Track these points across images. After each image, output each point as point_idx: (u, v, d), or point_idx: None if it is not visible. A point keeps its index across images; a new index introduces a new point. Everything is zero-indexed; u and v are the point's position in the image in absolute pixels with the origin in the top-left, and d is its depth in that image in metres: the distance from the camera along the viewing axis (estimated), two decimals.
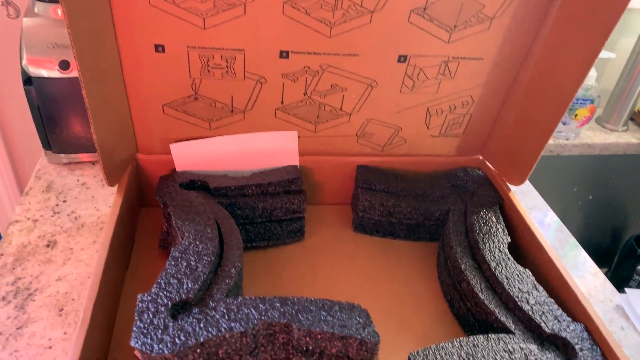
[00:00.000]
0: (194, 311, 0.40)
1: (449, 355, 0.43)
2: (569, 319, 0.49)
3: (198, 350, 0.38)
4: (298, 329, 0.39)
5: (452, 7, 0.54)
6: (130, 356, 0.47)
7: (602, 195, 1.34)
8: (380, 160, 0.68)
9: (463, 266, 0.56)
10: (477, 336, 0.46)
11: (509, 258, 0.56)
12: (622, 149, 1.19)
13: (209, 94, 0.58)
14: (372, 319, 0.42)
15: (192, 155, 0.61)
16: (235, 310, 0.40)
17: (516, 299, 0.51)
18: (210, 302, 0.41)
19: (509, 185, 0.65)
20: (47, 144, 0.72)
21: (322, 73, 0.58)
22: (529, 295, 0.52)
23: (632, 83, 1.17)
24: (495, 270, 0.54)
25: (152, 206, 0.66)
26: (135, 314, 0.38)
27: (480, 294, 0.53)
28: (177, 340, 0.37)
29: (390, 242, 0.67)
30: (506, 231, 0.60)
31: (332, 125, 0.64)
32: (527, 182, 0.81)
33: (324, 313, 0.41)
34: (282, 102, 0.60)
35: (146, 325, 0.38)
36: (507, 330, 0.49)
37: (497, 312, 0.51)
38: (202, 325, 0.39)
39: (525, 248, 0.60)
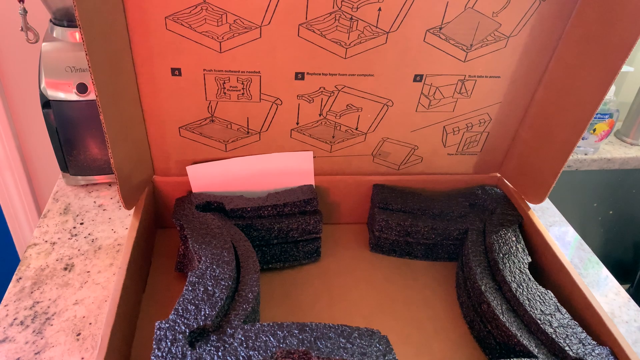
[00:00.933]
0: (211, 338, 0.40)
1: None
2: (594, 342, 0.48)
3: None
4: (317, 357, 0.39)
5: (468, 26, 0.54)
6: None
7: (622, 210, 1.31)
8: (397, 179, 0.68)
9: (483, 287, 0.55)
10: None
11: (530, 279, 0.55)
12: None
13: (225, 115, 0.58)
14: (392, 345, 0.41)
15: (208, 177, 0.61)
16: (253, 338, 0.39)
17: (538, 321, 0.50)
18: (228, 329, 0.40)
19: (528, 203, 0.64)
20: (64, 166, 0.72)
21: (337, 93, 0.58)
22: (551, 317, 0.50)
23: None
24: (516, 292, 0.53)
25: (168, 227, 0.66)
26: (154, 342, 0.38)
27: (501, 316, 0.52)
28: None
29: (408, 262, 0.66)
30: (526, 251, 0.59)
31: (348, 144, 0.63)
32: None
33: (343, 340, 0.40)
34: (297, 123, 0.60)
35: (164, 354, 0.37)
36: (530, 354, 0.48)
37: (519, 335, 0.50)
38: (220, 354, 0.38)
39: (546, 268, 0.59)
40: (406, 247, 0.66)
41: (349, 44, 0.53)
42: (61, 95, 0.66)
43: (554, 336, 0.48)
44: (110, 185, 0.76)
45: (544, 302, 0.52)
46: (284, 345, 0.39)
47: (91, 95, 0.67)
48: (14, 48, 0.90)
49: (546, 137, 0.60)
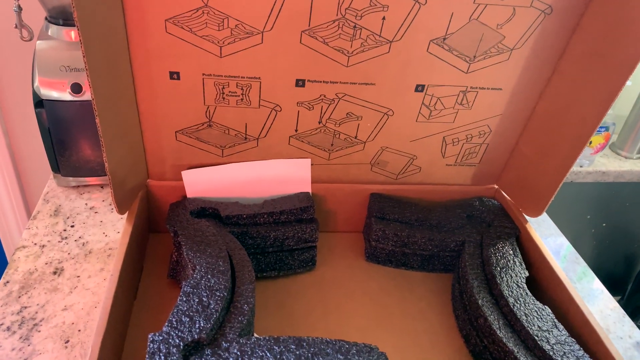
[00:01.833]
0: (206, 352, 0.39)
1: None
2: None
3: None
4: None
5: (472, 38, 0.53)
6: None
7: (615, 222, 1.32)
8: (394, 189, 0.67)
9: (480, 302, 0.54)
10: None
11: (527, 294, 0.54)
12: (636, 176, 1.17)
13: (223, 121, 0.57)
14: None
15: (204, 182, 0.60)
16: (249, 353, 0.38)
17: (536, 337, 0.49)
18: (223, 343, 0.39)
19: (525, 216, 0.64)
20: (56, 167, 0.71)
21: (337, 101, 0.57)
22: (549, 334, 0.50)
23: None
24: (513, 307, 0.52)
25: (161, 232, 0.65)
26: (147, 356, 0.37)
27: (498, 332, 0.51)
28: None
29: (404, 272, 0.65)
30: (524, 265, 0.58)
31: (346, 153, 0.63)
32: None
33: (340, 356, 0.39)
34: (296, 130, 0.59)
35: None
36: None
37: (516, 351, 0.49)
38: None
39: (543, 283, 0.58)
40: (402, 257, 0.65)
41: (352, 52, 0.53)
42: (55, 95, 0.65)
43: (551, 353, 0.48)
44: (102, 187, 0.75)
45: (541, 318, 0.52)
46: None
47: (86, 96, 0.65)
48: (7, 45, 0.88)
49: (546, 150, 0.60)
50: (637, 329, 0.65)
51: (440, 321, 0.59)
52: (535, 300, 0.53)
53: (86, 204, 0.71)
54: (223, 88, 0.54)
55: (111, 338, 0.44)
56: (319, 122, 0.59)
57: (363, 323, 0.57)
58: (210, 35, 0.50)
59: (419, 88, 0.57)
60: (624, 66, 0.49)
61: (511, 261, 0.58)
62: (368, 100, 0.57)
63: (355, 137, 0.61)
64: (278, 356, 0.38)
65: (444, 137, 0.62)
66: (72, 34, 0.65)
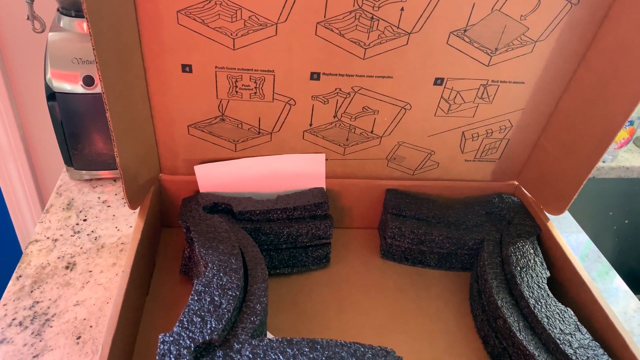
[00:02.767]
0: (217, 354, 0.38)
1: None
2: None
3: None
4: None
5: (494, 30, 0.51)
6: None
7: (638, 219, 1.29)
8: (411, 185, 0.65)
9: (499, 302, 0.52)
10: None
11: (548, 295, 0.53)
12: None
13: (236, 115, 0.56)
14: None
15: (217, 177, 0.59)
16: (261, 355, 0.37)
17: (558, 340, 0.48)
18: (235, 344, 0.38)
19: (547, 214, 0.62)
20: (69, 160, 0.70)
21: (353, 95, 0.55)
22: (571, 337, 0.48)
23: None
24: (534, 308, 0.51)
25: (173, 227, 0.64)
26: (157, 358, 0.36)
27: (518, 334, 0.49)
28: None
29: (420, 270, 0.64)
30: (545, 265, 0.56)
31: (362, 148, 0.61)
32: None
33: None
34: (310, 124, 0.58)
35: None
36: None
37: (536, 354, 0.47)
38: None
39: (565, 284, 0.56)
40: (419, 255, 0.63)
41: (369, 45, 0.51)
42: (67, 87, 0.64)
43: (573, 357, 0.46)
44: (115, 180, 0.74)
45: (563, 321, 0.50)
46: None
47: (98, 88, 0.64)
48: (19, 37, 0.88)
49: (569, 147, 0.58)
50: None
51: (457, 321, 0.57)
52: (557, 302, 0.52)
53: (99, 197, 0.71)
54: (236, 81, 0.52)
55: (122, 336, 0.44)
56: (334, 117, 0.57)
57: (378, 322, 0.56)
58: (223, 27, 0.48)
59: (438, 81, 0.55)
60: None
61: (532, 261, 0.56)
62: (385, 94, 0.56)
63: (372, 132, 0.59)
64: (291, 359, 0.37)
65: (463, 132, 0.61)
66: (85, 25, 0.64)
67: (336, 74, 0.53)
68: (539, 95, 0.57)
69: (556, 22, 0.51)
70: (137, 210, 0.55)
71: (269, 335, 0.51)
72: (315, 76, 0.53)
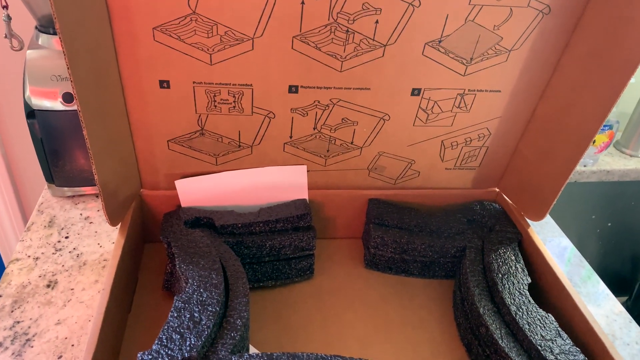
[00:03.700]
0: None
1: None
2: None
3: None
4: None
5: (468, 40, 0.52)
6: None
7: (621, 222, 1.30)
8: (393, 194, 0.66)
9: (481, 310, 0.53)
10: None
11: (530, 301, 0.53)
12: None
13: (215, 129, 0.56)
14: None
15: (198, 191, 0.59)
16: None
17: (539, 347, 0.48)
18: None
19: (528, 220, 0.62)
20: (50, 177, 0.70)
21: (332, 107, 0.56)
22: (552, 343, 0.49)
23: None
24: (515, 315, 0.51)
25: (156, 242, 0.64)
26: None
27: (500, 341, 0.50)
28: None
29: (403, 279, 0.64)
30: (526, 271, 0.57)
31: (343, 159, 0.61)
32: None
33: None
34: (291, 137, 0.58)
35: None
36: None
37: None
38: None
39: (546, 289, 0.57)
40: (402, 264, 0.64)
41: (345, 57, 0.51)
42: (46, 105, 0.64)
43: None
44: (97, 196, 0.74)
45: (544, 327, 0.50)
46: None
47: None
48: None
49: (547, 153, 0.58)
50: None
51: (441, 330, 0.57)
52: (538, 308, 0.52)
53: (81, 214, 0.70)
54: (214, 96, 0.53)
55: (103, 355, 0.43)
56: (314, 128, 0.57)
57: (362, 333, 0.56)
58: (199, 42, 0.48)
59: (415, 92, 0.55)
60: (626, 65, 0.47)
61: (513, 267, 0.57)
62: (363, 105, 0.56)
63: (352, 143, 0.60)
64: None
65: (442, 141, 0.61)
66: None
67: (314, 87, 0.53)
68: (516, 103, 0.58)
69: (529, 32, 0.52)
70: (119, 225, 0.55)
71: (253, 350, 0.51)
72: (293, 89, 0.53)
